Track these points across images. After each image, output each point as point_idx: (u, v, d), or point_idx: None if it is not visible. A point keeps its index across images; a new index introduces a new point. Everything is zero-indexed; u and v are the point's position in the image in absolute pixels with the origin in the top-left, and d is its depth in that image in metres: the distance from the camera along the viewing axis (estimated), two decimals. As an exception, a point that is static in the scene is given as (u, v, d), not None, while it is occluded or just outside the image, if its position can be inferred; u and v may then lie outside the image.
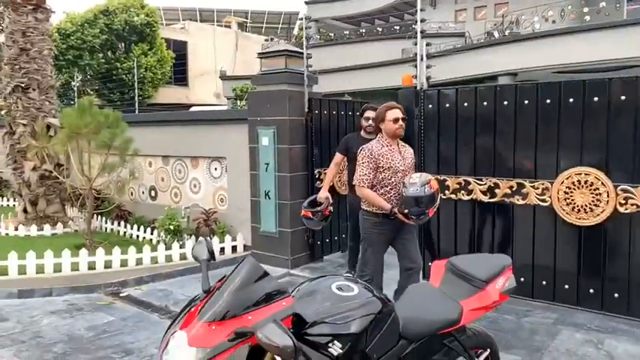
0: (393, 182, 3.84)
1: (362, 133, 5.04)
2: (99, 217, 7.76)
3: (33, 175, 7.39)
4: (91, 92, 22.87)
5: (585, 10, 12.26)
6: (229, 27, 32.46)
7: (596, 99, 4.14)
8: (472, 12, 19.44)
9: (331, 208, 4.85)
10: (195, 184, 7.24)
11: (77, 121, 5.97)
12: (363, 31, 21.32)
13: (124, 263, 5.82)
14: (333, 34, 20.87)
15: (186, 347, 1.79)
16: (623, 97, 4.02)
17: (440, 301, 2.47)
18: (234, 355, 1.75)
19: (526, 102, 4.47)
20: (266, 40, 7.28)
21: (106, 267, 5.74)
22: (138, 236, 7.07)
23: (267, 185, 6.02)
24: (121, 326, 4.47)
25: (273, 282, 2.00)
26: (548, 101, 4.36)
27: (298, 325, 2.01)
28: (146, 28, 23.52)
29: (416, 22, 5.26)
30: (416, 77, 5.24)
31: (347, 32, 21.09)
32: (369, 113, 4.88)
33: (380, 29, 20.79)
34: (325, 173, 6.24)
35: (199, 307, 1.91)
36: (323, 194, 4.91)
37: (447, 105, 4.98)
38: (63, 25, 21.30)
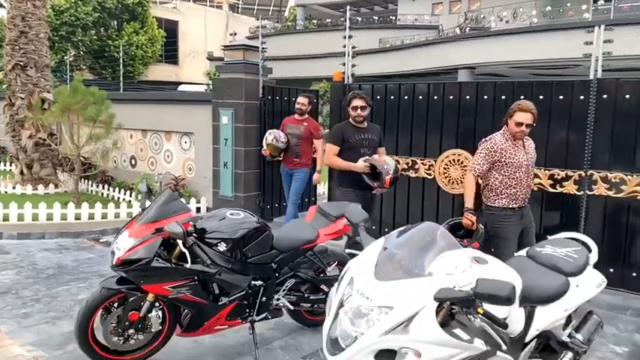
0: (517, 177, 3.80)
1: (352, 121, 4.71)
2: (86, 180, 8.98)
3: (29, 142, 8.57)
4: (84, 68, 23.85)
5: (533, 12, 13.48)
6: (221, 7, 33.33)
7: (467, 97, 5.40)
8: (448, 6, 20.52)
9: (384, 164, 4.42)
10: (168, 154, 8.47)
11: (69, 99, 7.16)
12: (343, 19, 22.29)
13: (104, 216, 7.08)
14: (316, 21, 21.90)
15: (127, 238, 3.06)
16: (485, 97, 5.28)
17: (305, 227, 3.75)
18: (153, 243, 3.01)
19: (420, 97, 5.72)
20: (230, 35, 8.35)
21: (89, 219, 7.00)
22: (119, 198, 8.30)
23: (226, 157, 7.26)
24: (99, 260, 5.72)
25: (181, 204, 3.27)
26: (435, 97, 5.62)
27: (203, 233, 3.27)
28: (138, 7, 24.42)
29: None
30: (344, 73, 6.47)
31: (328, 20, 22.10)
32: (357, 102, 4.58)
33: (359, 18, 21.79)
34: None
35: (137, 217, 3.18)
36: (361, 166, 4.45)
37: (366, 96, 6.21)
38: (57, 1, 22.14)
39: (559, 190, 4.90)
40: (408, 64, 16.07)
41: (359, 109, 4.56)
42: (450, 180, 5.58)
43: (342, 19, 22.59)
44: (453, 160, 5.54)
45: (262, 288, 3.51)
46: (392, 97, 6.01)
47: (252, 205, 7.33)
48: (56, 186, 8.74)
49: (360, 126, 4.67)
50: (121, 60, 18.33)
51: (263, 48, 7.18)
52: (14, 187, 8.47)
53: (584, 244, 3.15)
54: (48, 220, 6.83)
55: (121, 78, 16.95)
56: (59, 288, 4.77)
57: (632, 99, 4.53)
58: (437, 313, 2.08)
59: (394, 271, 2.14)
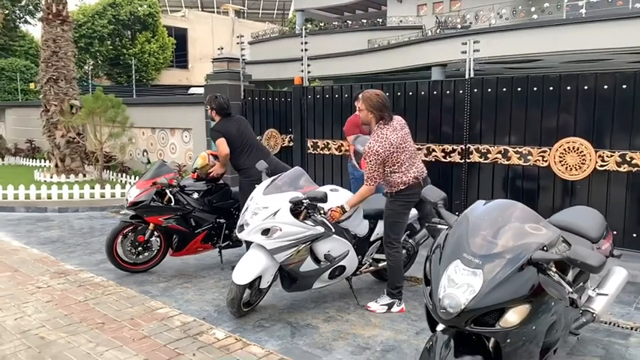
0: None
1: None
2: (108, 170, 11.00)
3: (61, 140, 10.62)
4: (102, 75, 26.12)
5: (492, 14, 15.16)
6: (227, 14, 35.38)
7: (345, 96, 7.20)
8: (431, 7, 22.17)
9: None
10: (173, 147, 10.44)
11: (93, 105, 9.16)
12: (336, 23, 24.09)
13: (123, 195, 9.05)
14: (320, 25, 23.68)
15: (135, 189, 4.99)
16: (399, 94, 7.10)
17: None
18: (151, 191, 4.92)
19: (346, 96, 7.54)
20: (218, 49, 10.15)
21: (111, 197, 8.99)
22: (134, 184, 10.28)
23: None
24: (119, 224, 7.69)
25: (169, 168, 5.19)
26: (346, 96, 7.42)
27: (184, 187, 5.19)
28: (149, 18, 26.58)
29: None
30: (302, 78, 8.33)
31: (322, 24, 23.90)
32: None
33: (349, 22, 23.54)
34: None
35: (140, 178, 5.12)
36: None
37: (318, 96, 8.07)
38: (75, 16, 24.36)
39: (448, 159, 6.71)
40: (392, 63, 17.86)
41: None
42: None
43: (334, 22, 24.36)
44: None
45: (225, 224, 5.40)
46: (317, 96, 7.94)
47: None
48: (84, 175, 10.78)
49: None
50: (133, 67, 20.48)
51: (243, 59, 9.07)
52: (51, 177, 10.53)
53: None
54: (80, 199, 8.84)
55: (134, 84, 19.09)
56: (92, 239, 6.74)
57: (492, 92, 6.31)
58: (300, 213, 3.94)
59: (274, 190, 4.02)
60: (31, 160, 13.75)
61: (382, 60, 17.80)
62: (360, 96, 4.22)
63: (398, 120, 4.14)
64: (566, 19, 14.10)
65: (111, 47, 25.61)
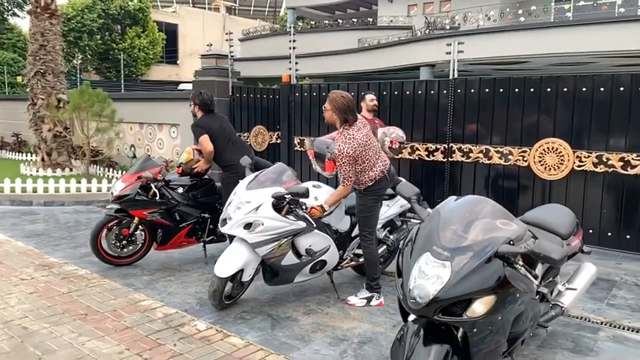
0: None
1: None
2: (95, 165, 10.97)
3: (48, 134, 10.57)
4: (91, 70, 25.94)
5: (480, 16, 15.36)
6: (218, 10, 35.29)
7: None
8: (422, 7, 22.32)
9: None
10: (160, 142, 10.45)
11: (78, 100, 9.14)
12: (327, 22, 24.16)
13: (109, 189, 9.05)
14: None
15: (120, 183, 5.03)
16: (385, 93, 7.19)
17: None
18: (135, 185, 4.96)
19: (314, 94, 7.63)
20: (207, 45, 10.24)
21: (98, 191, 8.99)
22: (121, 178, 10.28)
23: (204, 142, 9.20)
24: (105, 219, 7.71)
25: (154, 163, 5.24)
26: (323, 94, 7.51)
27: (168, 182, 5.24)
28: (139, 12, 26.43)
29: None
30: (290, 76, 8.40)
31: (313, 22, 23.95)
32: None
33: (340, 21, 23.63)
34: (245, 137, 9.41)
35: (126, 172, 5.16)
36: None
37: (305, 94, 8.15)
38: (64, 9, 24.17)
39: (431, 158, 6.82)
40: (382, 63, 17.98)
41: None
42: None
43: (325, 20, 24.43)
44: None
45: (209, 219, 5.46)
46: (305, 94, 8.06)
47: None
48: (71, 169, 10.74)
49: None
50: (122, 62, 20.39)
51: (231, 55, 9.11)
52: (37, 171, 10.49)
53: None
54: (66, 193, 8.84)
55: (122, 79, 19.02)
56: (77, 232, 6.76)
57: (475, 93, 6.43)
58: (282, 208, 4.02)
59: (257, 185, 4.09)
60: (17, 153, 13.67)
61: (372, 59, 17.93)
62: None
63: (360, 119, 4.23)
64: (552, 22, 14.31)
65: (100, 42, 25.44)
